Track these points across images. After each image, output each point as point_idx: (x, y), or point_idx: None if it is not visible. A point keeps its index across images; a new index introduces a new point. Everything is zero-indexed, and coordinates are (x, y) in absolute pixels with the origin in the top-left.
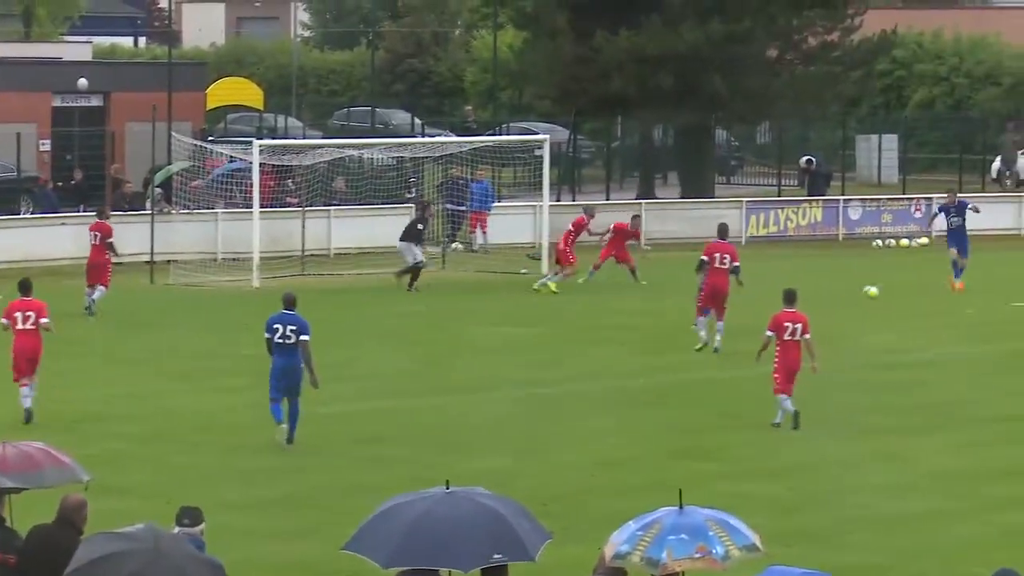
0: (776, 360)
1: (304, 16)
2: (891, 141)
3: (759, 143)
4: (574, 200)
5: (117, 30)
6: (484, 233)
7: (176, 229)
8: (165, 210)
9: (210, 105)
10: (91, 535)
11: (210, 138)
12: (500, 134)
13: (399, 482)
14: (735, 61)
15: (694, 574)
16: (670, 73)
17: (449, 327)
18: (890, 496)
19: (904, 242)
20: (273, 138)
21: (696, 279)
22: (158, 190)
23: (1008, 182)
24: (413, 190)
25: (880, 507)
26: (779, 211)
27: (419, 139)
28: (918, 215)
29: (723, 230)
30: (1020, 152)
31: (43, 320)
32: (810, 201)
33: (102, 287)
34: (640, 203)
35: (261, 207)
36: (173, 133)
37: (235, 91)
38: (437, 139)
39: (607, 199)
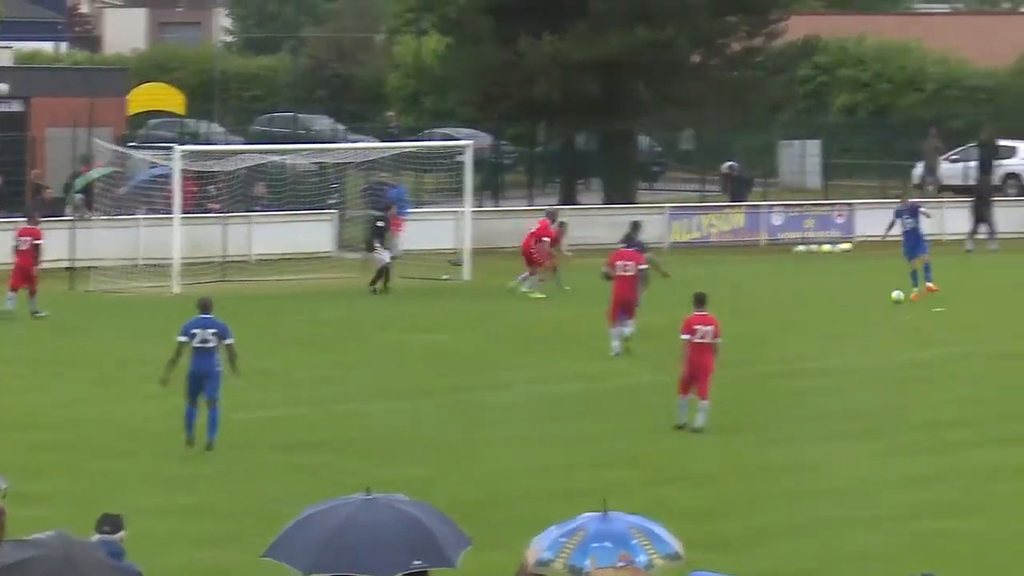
0: (684, 362)
1: (226, 21)
2: (814, 147)
3: (682, 149)
4: (496, 206)
5: (38, 35)
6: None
7: (96, 235)
8: (85, 216)
9: (131, 110)
10: None
11: (131, 144)
12: (423, 140)
13: (320, 489)
14: (659, 67)
15: None
16: (593, 79)
17: (371, 334)
18: (806, 503)
19: (826, 248)
20: (195, 144)
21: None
22: (79, 196)
23: (931, 188)
24: (335, 196)
25: (796, 514)
26: (702, 217)
27: (341, 145)
28: (840, 220)
29: (628, 236)
30: (942, 158)
31: None
32: (733, 207)
33: (29, 292)
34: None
35: (182, 213)
36: (94, 139)
37: (157, 96)
38: (359, 145)
39: (530, 205)
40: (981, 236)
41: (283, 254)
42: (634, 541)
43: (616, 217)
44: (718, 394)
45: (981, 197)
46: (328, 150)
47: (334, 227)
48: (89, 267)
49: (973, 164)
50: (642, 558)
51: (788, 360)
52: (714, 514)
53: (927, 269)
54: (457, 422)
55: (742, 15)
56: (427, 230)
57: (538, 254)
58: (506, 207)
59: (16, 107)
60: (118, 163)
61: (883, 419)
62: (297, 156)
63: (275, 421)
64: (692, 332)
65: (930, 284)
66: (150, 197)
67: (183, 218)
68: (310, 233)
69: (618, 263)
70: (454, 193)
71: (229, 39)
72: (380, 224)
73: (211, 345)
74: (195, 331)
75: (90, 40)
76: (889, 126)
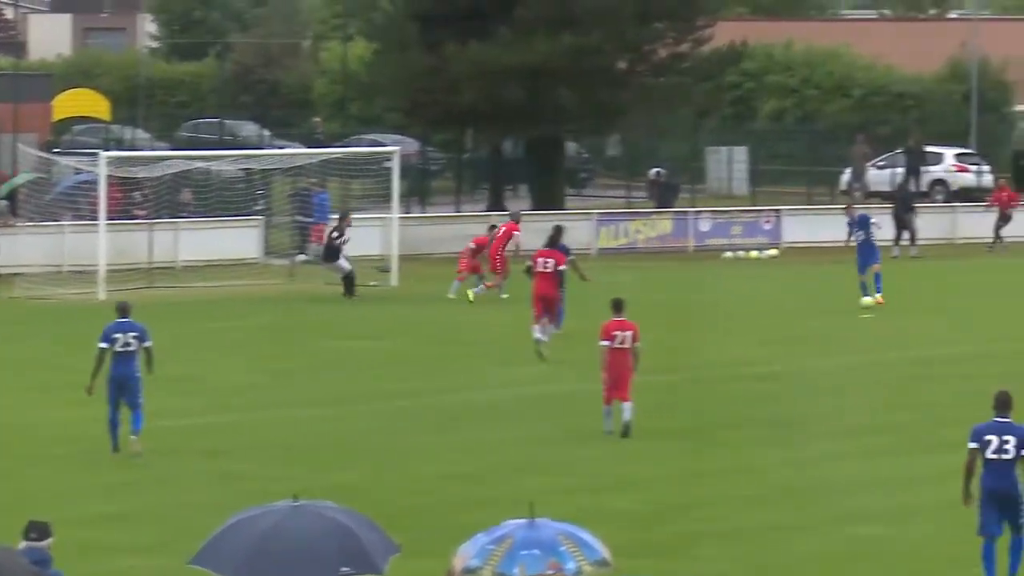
0: (605, 368)
1: (152, 27)
2: (741, 153)
3: (609, 155)
4: (423, 212)
5: None
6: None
7: (21, 241)
8: (10, 222)
9: (56, 116)
10: None
11: (56, 150)
12: (350, 146)
13: (248, 496)
14: (585, 73)
15: None
16: (520, 85)
17: (298, 340)
18: (740, 509)
19: (754, 254)
20: (120, 150)
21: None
22: (3, 202)
23: (858, 194)
24: (261, 202)
25: (730, 519)
26: (629, 223)
27: (268, 151)
28: (768, 226)
29: (551, 240)
30: (870, 164)
31: None
32: (660, 213)
33: None
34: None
35: (108, 219)
36: (19, 144)
37: (82, 102)
38: (286, 151)
39: (457, 211)
40: (904, 242)
41: (209, 260)
42: (562, 548)
43: (544, 223)
44: (652, 399)
45: (902, 203)
46: (254, 156)
47: (260, 233)
48: (14, 274)
49: (901, 170)
50: (571, 565)
51: (721, 366)
52: (646, 520)
53: (877, 279)
54: (385, 429)
55: (669, 21)
56: (354, 236)
57: (501, 260)
58: (433, 213)
59: None
60: (43, 169)
61: (815, 425)
62: (223, 162)
63: (202, 428)
64: (611, 338)
65: (879, 296)
66: (75, 203)
67: (109, 224)
68: (236, 239)
69: (539, 260)
70: (381, 199)
71: (155, 45)
72: (337, 240)
73: (132, 349)
74: (116, 335)
75: (15, 46)
76: (816, 132)
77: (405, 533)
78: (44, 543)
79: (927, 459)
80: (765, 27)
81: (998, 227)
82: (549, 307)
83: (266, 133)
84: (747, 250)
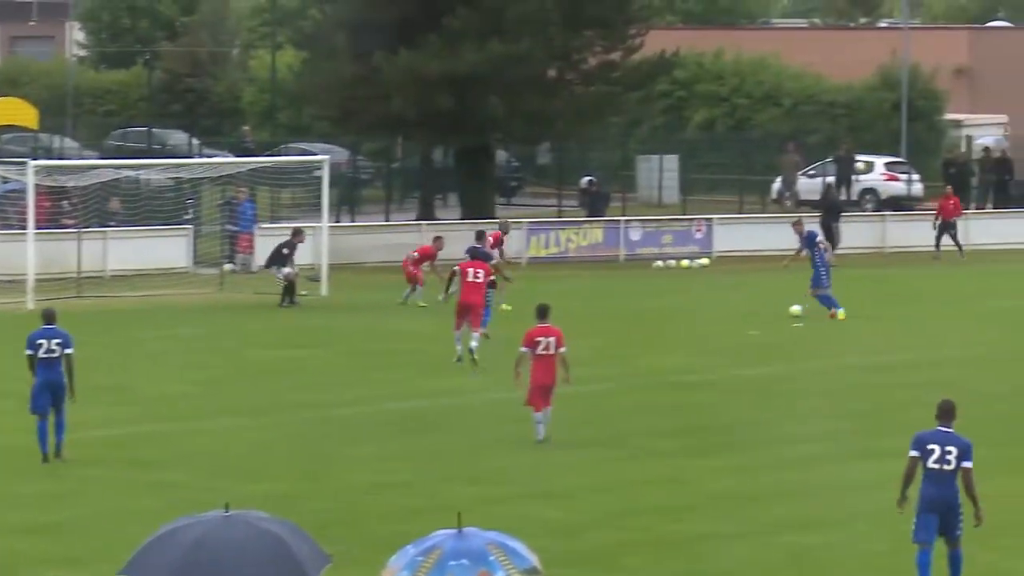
0: (530, 375)
1: (80, 35)
2: (672, 162)
3: (539, 164)
4: (353, 221)
5: None
6: (250, 254)
7: None
8: None
9: None
10: None
11: None
12: (279, 155)
13: (177, 506)
14: (514, 82)
15: None
16: (449, 94)
17: (227, 349)
18: (670, 518)
19: (685, 263)
20: (48, 159)
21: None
22: None
23: (788, 203)
24: (190, 211)
25: (660, 529)
26: (560, 232)
27: (197, 160)
28: (699, 235)
29: (473, 248)
30: (800, 173)
31: None
32: (591, 222)
33: None
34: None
35: (36, 228)
36: None
37: (9, 111)
38: (215, 160)
39: (387, 220)
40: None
41: (138, 270)
42: (492, 557)
43: (473, 232)
44: (584, 408)
45: (828, 210)
46: (183, 165)
47: (190, 242)
48: None
49: (832, 179)
50: (500, 574)
51: (654, 375)
52: (575, 529)
53: (824, 300)
54: (315, 438)
55: (598, 30)
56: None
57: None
58: (363, 222)
59: None
60: None
61: (748, 433)
62: (152, 171)
63: (130, 437)
64: (534, 344)
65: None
66: (3, 212)
67: (37, 233)
68: (166, 249)
69: (468, 270)
70: (311, 208)
71: (83, 53)
72: (285, 251)
73: (56, 355)
74: (40, 341)
75: None
76: (747, 141)
77: (336, 543)
78: None
79: (863, 466)
80: (696, 36)
81: (940, 236)
82: (474, 317)
83: (195, 142)
84: (678, 259)
